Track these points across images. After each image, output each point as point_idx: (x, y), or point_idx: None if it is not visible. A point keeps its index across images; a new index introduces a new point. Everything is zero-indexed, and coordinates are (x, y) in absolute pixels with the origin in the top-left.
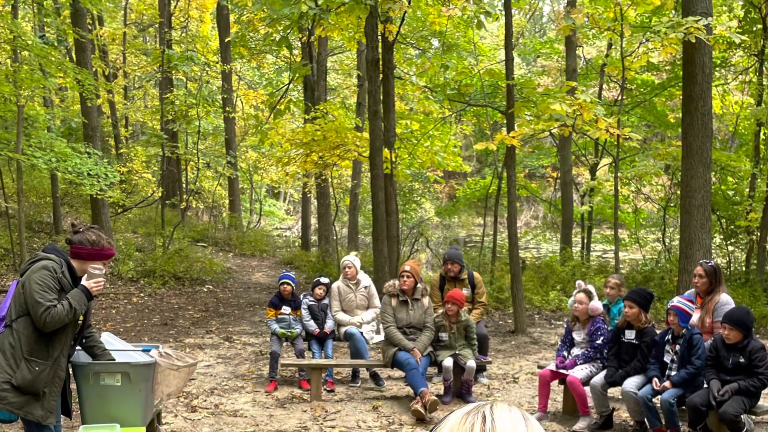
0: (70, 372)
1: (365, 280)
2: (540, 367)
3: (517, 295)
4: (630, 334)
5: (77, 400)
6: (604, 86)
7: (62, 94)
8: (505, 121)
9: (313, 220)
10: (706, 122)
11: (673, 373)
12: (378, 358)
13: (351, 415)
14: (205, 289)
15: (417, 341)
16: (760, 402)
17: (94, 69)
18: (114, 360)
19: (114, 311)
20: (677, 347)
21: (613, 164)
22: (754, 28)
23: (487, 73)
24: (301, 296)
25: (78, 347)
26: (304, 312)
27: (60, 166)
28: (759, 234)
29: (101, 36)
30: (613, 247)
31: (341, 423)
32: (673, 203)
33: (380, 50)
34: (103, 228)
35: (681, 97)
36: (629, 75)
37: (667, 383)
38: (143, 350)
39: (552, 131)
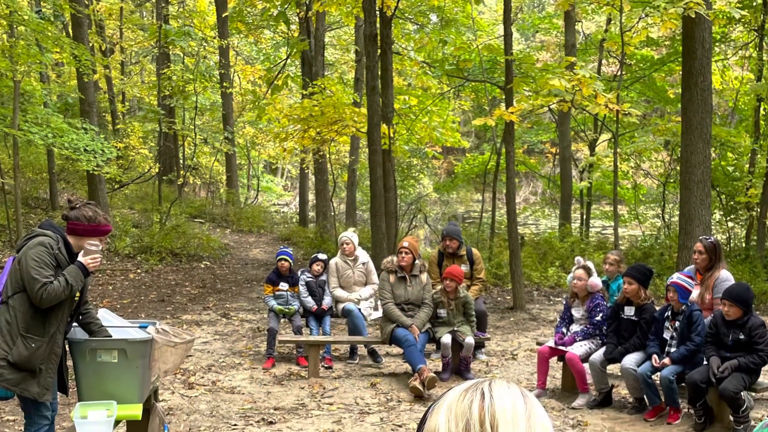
0: (67, 349)
1: (363, 256)
2: (539, 343)
3: (515, 272)
4: (629, 311)
5: (74, 377)
6: (604, 61)
7: (59, 69)
8: (503, 97)
9: (311, 196)
10: (705, 98)
11: (673, 349)
12: (376, 334)
13: (349, 391)
14: (202, 266)
15: (415, 318)
16: (760, 379)
17: (90, 44)
18: (111, 337)
19: (111, 287)
20: (677, 324)
21: (613, 140)
22: (754, 3)
23: (485, 49)
24: (299, 272)
25: (74, 324)
26: (302, 288)
27: (56, 142)
28: (759, 210)
29: (98, 11)
30: (613, 223)
31: (339, 400)
32: (673, 179)
33: (378, 25)
34: (100, 204)
35: (681, 73)
36: (628, 50)
37: (666, 360)
38: (140, 327)
39: (551, 107)
